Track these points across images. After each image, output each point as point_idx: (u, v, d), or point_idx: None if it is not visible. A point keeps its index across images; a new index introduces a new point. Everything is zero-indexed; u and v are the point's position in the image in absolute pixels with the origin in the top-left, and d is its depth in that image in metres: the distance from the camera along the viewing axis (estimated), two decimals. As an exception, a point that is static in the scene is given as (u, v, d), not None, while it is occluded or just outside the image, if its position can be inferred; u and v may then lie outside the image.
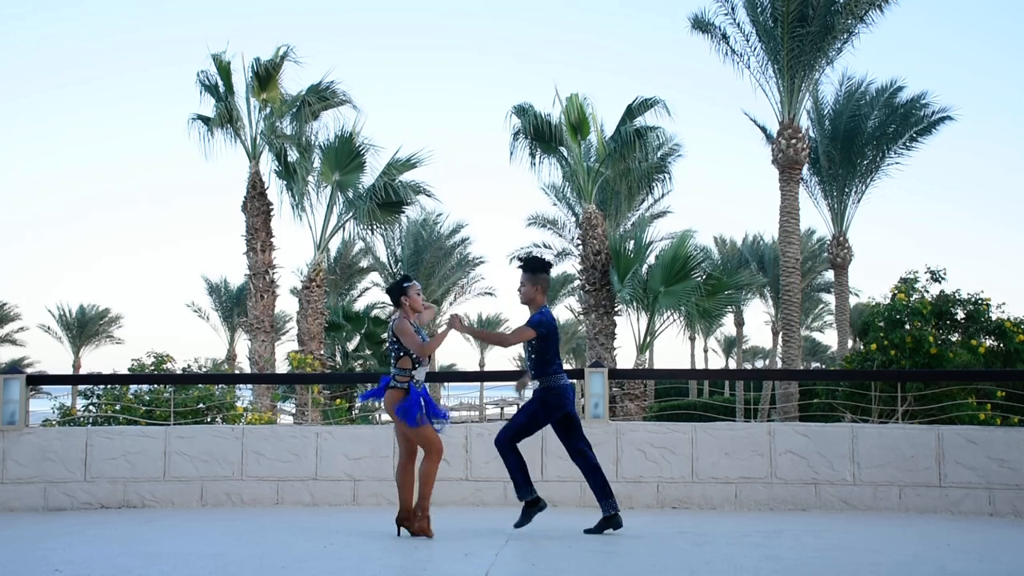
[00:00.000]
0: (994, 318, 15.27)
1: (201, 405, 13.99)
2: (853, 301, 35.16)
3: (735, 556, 6.08)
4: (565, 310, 51.29)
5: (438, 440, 6.80)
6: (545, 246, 31.41)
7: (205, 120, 20.65)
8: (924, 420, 11.89)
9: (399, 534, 6.89)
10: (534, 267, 7.06)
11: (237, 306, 41.36)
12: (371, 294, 38.81)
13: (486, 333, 7.04)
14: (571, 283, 45.89)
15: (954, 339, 15.50)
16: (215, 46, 25.52)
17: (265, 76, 20.53)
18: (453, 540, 6.62)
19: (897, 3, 20.96)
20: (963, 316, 15.58)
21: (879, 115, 25.31)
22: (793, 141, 21.83)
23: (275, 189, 20.84)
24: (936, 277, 15.83)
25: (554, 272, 49.02)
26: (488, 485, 8.57)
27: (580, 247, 21.03)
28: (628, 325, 21.85)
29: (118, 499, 8.77)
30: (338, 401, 18.21)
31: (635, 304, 20.71)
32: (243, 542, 6.80)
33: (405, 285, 6.90)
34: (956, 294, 15.59)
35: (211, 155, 21.00)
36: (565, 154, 20.67)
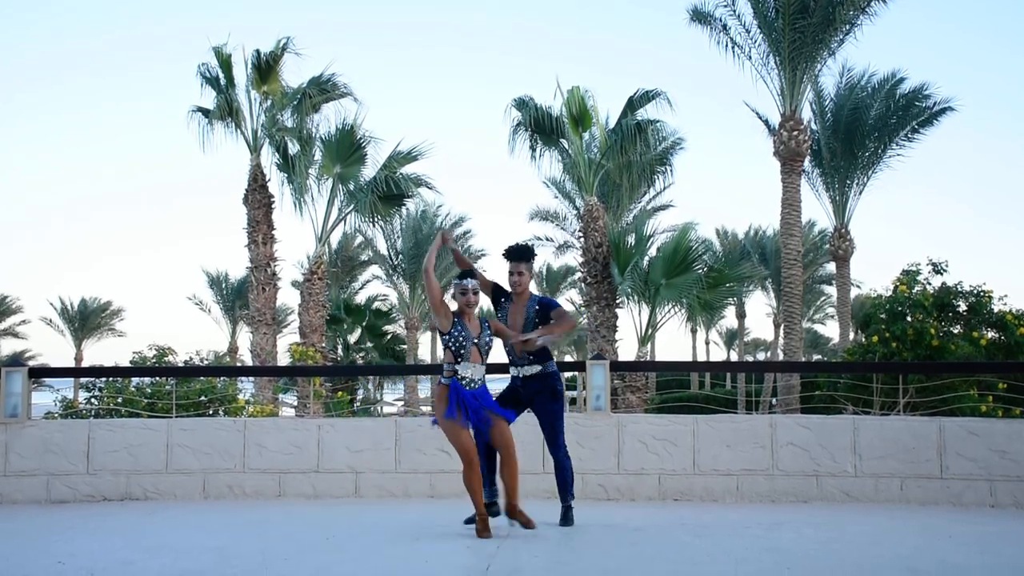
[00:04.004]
0: (996, 310, 15.28)
1: (203, 398, 14.01)
2: (855, 293, 35.15)
3: (736, 548, 6.09)
4: (567, 303, 51.30)
5: (466, 446, 6.40)
6: (547, 239, 31.42)
7: (205, 112, 20.65)
8: (926, 412, 11.90)
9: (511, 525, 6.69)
10: (532, 254, 6.97)
11: (238, 299, 41.39)
12: (372, 287, 38.80)
13: (562, 327, 6.74)
14: (572, 275, 45.94)
15: (956, 331, 15.50)
16: (216, 39, 25.48)
17: (266, 68, 20.51)
18: (456, 532, 6.62)
19: (900, -7, 20.96)
20: (965, 308, 15.58)
21: (880, 107, 25.23)
22: (795, 133, 21.78)
23: (276, 182, 20.87)
24: (938, 269, 15.82)
25: (555, 265, 49.16)
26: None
27: (581, 240, 21.02)
28: (630, 317, 21.93)
29: (120, 491, 8.78)
30: (340, 394, 18.24)
31: (636, 297, 20.71)
32: (245, 534, 6.82)
33: (454, 282, 6.59)
34: (958, 286, 15.59)
35: (210, 148, 21.01)
36: (566, 146, 20.65)
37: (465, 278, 6.60)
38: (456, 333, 6.44)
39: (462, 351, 6.43)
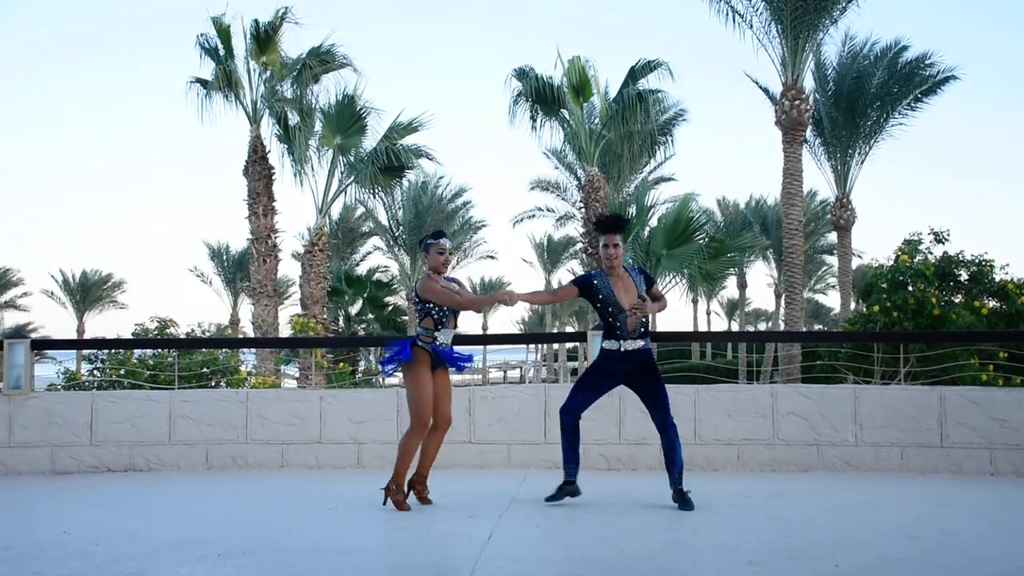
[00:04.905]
0: (997, 280, 15.26)
1: (205, 369, 14.03)
2: (856, 263, 35.12)
3: (738, 517, 6.12)
4: (568, 273, 51.33)
5: (427, 415, 6.54)
6: (548, 210, 31.37)
7: (204, 83, 20.55)
8: (926, 381, 11.92)
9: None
10: (624, 225, 6.72)
11: (240, 271, 41.41)
12: (373, 258, 38.81)
13: (654, 307, 6.59)
14: (573, 246, 45.90)
15: (957, 300, 15.50)
16: (215, 9, 25.36)
17: (265, 39, 20.39)
18: (457, 502, 6.65)
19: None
20: (966, 278, 15.57)
21: (883, 75, 25.05)
22: (796, 103, 21.67)
23: (276, 153, 20.82)
24: (939, 239, 15.80)
25: (556, 236, 48.99)
26: (492, 448, 8.61)
27: (582, 210, 20.98)
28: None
29: (124, 463, 8.82)
30: (341, 365, 18.26)
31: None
32: (248, 505, 6.85)
33: (428, 242, 6.65)
34: (959, 256, 15.57)
35: (209, 119, 20.98)
36: (567, 116, 20.60)
37: (440, 238, 6.70)
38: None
39: (444, 319, 6.57)
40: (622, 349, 6.61)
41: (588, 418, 8.37)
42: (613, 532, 5.70)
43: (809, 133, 25.03)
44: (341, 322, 29.17)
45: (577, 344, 11.52)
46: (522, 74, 20.22)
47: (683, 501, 6.43)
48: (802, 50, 21.90)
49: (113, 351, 14.27)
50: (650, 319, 6.71)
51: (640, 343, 6.61)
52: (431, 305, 6.53)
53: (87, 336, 46.92)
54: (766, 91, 24.14)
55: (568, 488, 6.66)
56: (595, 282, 6.67)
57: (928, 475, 8.11)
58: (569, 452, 6.73)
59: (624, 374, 6.68)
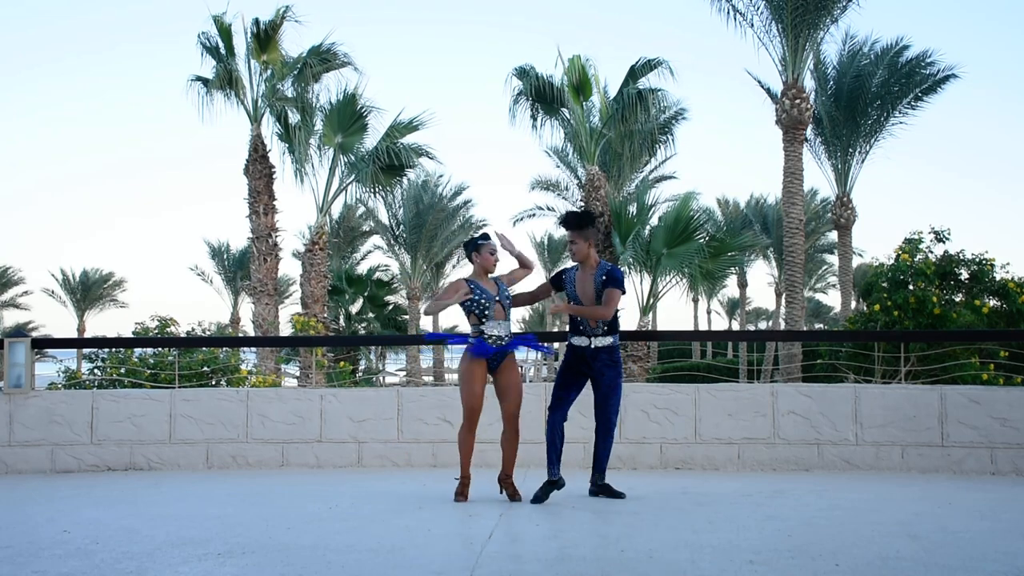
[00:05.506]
0: (998, 278, 15.26)
1: (206, 368, 14.04)
2: (856, 262, 35.10)
3: (738, 516, 6.12)
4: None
5: (474, 406, 6.84)
6: (548, 208, 31.32)
7: (205, 82, 20.54)
8: (927, 380, 11.93)
9: (501, 492, 6.91)
10: (579, 222, 6.85)
11: (240, 269, 41.39)
12: (374, 257, 38.80)
13: (587, 310, 6.72)
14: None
15: (958, 299, 15.50)
16: (216, 7, 25.36)
17: (265, 37, 20.38)
18: (458, 501, 6.65)
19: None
20: (967, 276, 15.57)
21: (883, 74, 25.00)
22: (797, 101, 21.66)
23: (277, 152, 20.80)
24: (940, 237, 15.80)
25: (557, 235, 48.86)
26: (492, 447, 8.57)
27: (583, 209, 20.95)
28: (631, 287, 21.83)
29: (124, 461, 8.83)
30: (342, 364, 18.27)
31: (638, 266, 20.70)
32: (249, 504, 6.86)
33: (480, 242, 6.86)
34: (960, 255, 15.57)
35: (210, 118, 20.96)
36: (567, 115, 20.59)
37: (487, 239, 6.90)
38: (477, 296, 6.69)
39: (486, 311, 6.69)
40: (583, 345, 6.81)
41: (589, 416, 8.38)
42: (613, 531, 5.70)
43: (810, 132, 25.02)
44: (342, 321, 29.19)
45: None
46: (522, 73, 20.21)
47: (603, 492, 6.85)
48: (803, 49, 21.89)
49: (114, 350, 14.28)
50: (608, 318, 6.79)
51: (608, 340, 6.76)
52: (468, 302, 6.70)
53: (87, 335, 46.92)
54: (767, 90, 24.14)
55: (553, 486, 6.78)
56: (564, 276, 6.98)
57: (928, 474, 8.11)
58: (551, 452, 6.86)
59: (589, 368, 6.84)
